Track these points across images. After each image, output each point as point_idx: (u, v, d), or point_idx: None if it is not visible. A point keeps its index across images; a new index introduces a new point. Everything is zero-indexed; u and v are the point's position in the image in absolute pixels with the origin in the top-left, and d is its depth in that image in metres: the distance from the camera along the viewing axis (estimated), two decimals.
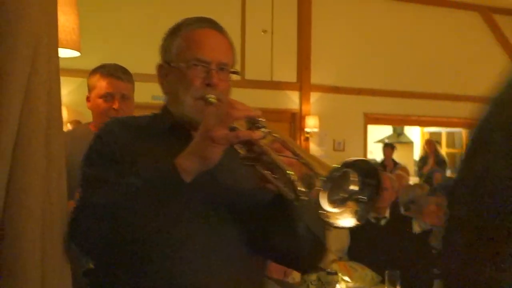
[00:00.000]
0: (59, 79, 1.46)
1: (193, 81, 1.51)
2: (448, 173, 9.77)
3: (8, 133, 1.28)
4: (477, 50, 9.34)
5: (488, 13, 9.36)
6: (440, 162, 10.02)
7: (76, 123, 6.58)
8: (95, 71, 2.62)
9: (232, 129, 1.33)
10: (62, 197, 1.45)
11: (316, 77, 8.78)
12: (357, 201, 1.25)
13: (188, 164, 1.34)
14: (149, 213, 1.35)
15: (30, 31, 1.30)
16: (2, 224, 1.29)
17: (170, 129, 1.57)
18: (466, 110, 9.31)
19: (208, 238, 1.45)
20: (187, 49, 1.55)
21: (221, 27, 1.62)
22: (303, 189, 1.25)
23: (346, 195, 1.25)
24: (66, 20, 2.66)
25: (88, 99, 2.63)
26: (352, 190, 1.25)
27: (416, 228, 4.04)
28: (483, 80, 9.21)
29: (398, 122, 11.02)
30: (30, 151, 1.32)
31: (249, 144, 1.34)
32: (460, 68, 9.16)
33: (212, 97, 1.49)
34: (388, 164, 9.67)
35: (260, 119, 1.34)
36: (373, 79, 8.97)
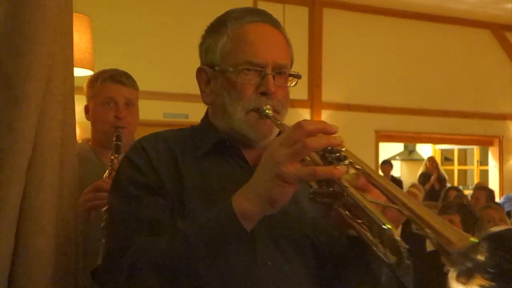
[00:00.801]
0: (73, 99, 1.47)
1: (245, 89, 1.25)
2: (464, 190, 9.70)
3: (23, 153, 1.30)
4: (489, 67, 9.31)
5: (499, 31, 9.34)
6: (440, 179, 10.02)
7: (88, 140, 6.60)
8: (94, 77, 2.30)
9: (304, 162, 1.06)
10: (75, 215, 1.45)
11: (327, 95, 8.78)
12: (485, 273, 0.93)
13: (250, 209, 1.06)
14: (207, 262, 1.09)
15: (46, 52, 1.32)
16: (16, 242, 1.30)
17: (215, 146, 1.30)
18: (478, 127, 9.28)
19: (274, 283, 1.20)
20: (236, 50, 1.27)
21: (276, 21, 1.35)
22: (406, 247, 0.99)
23: (471, 266, 0.92)
24: (80, 39, 2.69)
25: (86, 109, 2.29)
26: (479, 259, 0.92)
27: (429, 246, 4.01)
28: (495, 97, 9.12)
29: (410, 139, 10.98)
30: (44, 170, 1.33)
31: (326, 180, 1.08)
32: (472, 85, 9.14)
33: (268, 109, 1.25)
34: None
35: (341, 147, 1.06)
36: (384, 96, 8.95)
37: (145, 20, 7.29)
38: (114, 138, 2.08)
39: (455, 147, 12.81)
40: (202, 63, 1.36)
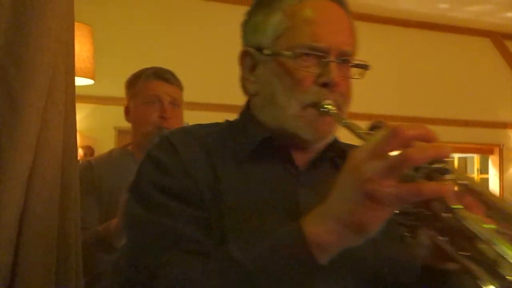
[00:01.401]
0: (74, 107, 1.47)
1: (303, 78, 1.01)
2: None
3: (24, 161, 1.29)
4: (488, 76, 9.32)
5: (499, 39, 9.37)
6: None
7: (88, 148, 6.62)
8: (135, 74, 2.10)
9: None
10: (76, 226, 1.45)
11: None
12: None
13: (329, 240, 0.80)
14: None
15: (48, 62, 1.32)
16: (17, 251, 1.29)
17: (260, 146, 1.05)
18: (478, 135, 9.28)
19: None
20: (293, 30, 1.03)
21: None
22: None
23: None
24: (81, 49, 2.70)
25: (126, 111, 2.08)
26: None
27: None
28: (495, 105, 9.12)
29: None
30: (45, 180, 1.33)
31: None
32: (472, 93, 9.15)
33: (329, 104, 1.01)
34: None
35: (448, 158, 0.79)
36: (384, 105, 8.96)
37: (147, 30, 7.31)
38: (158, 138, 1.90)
39: (456, 155, 12.81)
40: (246, 45, 1.11)
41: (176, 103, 2.03)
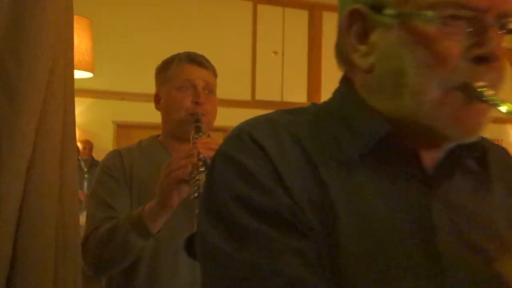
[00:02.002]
0: (73, 101, 1.47)
1: (449, 50, 0.70)
2: None
3: (23, 155, 1.29)
4: None
5: None
6: None
7: (86, 143, 6.62)
8: (167, 59, 1.97)
9: None
10: (75, 218, 1.45)
11: (326, 98, 8.79)
12: None
13: None
14: None
15: (47, 56, 1.31)
16: (15, 245, 1.29)
17: (379, 145, 0.75)
18: None
19: None
20: None
21: None
22: None
23: None
24: (80, 42, 2.70)
25: (157, 98, 1.96)
26: None
27: None
28: None
29: None
30: (44, 173, 1.33)
31: None
32: None
33: (484, 87, 0.71)
34: None
35: None
36: None
37: (146, 23, 7.30)
38: (193, 121, 1.78)
39: None
40: (352, 3, 0.78)
41: (210, 89, 1.91)
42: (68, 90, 1.42)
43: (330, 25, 8.84)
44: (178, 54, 1.94)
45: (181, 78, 1.87)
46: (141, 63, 6.93)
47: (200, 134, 1.70)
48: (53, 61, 1.33)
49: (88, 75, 3.08)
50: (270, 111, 0.85)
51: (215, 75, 1.97)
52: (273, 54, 8.38)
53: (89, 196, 1.85)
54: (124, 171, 1.80)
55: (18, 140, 1.28)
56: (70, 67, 1.44)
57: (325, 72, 8.79)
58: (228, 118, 7.60)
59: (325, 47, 8.78)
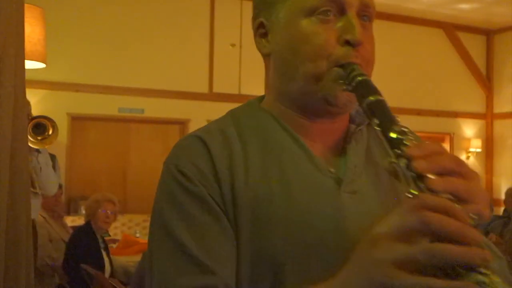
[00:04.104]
0: (24, 91, 1.44)
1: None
2: None
3: None
4: (441, 66, 9.53)
5: (452, 30, 9.57)
6: None
7: None
8: None
9: None
10: (26, 210, 1.42)
11: None
12: None
13: None
14: None
15: None
16: None
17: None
18: (431, 124, 9.49)
19: None
20: None
21: None
22: None
23: None
24: (32, 31, 2.63)
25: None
26: None
27: None
28: (447, 95, 9.34)
29: None
30: None
31: None
32: (425, 83, 9.33)
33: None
34: None
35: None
36: None
37: (101, 12, 7.17)
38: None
39: None
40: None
41: None
42: (18, 80, 1.39)
43: None
44: None
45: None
46: (96, 54, 6.82)
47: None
48: (2, 50, 1.30)
49: (41, 65, 3.01)
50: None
51: None
52: (230, 46, 8.35)
53: (151, 226, 0.89)
54: (217, 180, 0.87)
55: None
56: (20, 56, 1.41)
57: None
58: (185, 111, 7.58)
59: None
